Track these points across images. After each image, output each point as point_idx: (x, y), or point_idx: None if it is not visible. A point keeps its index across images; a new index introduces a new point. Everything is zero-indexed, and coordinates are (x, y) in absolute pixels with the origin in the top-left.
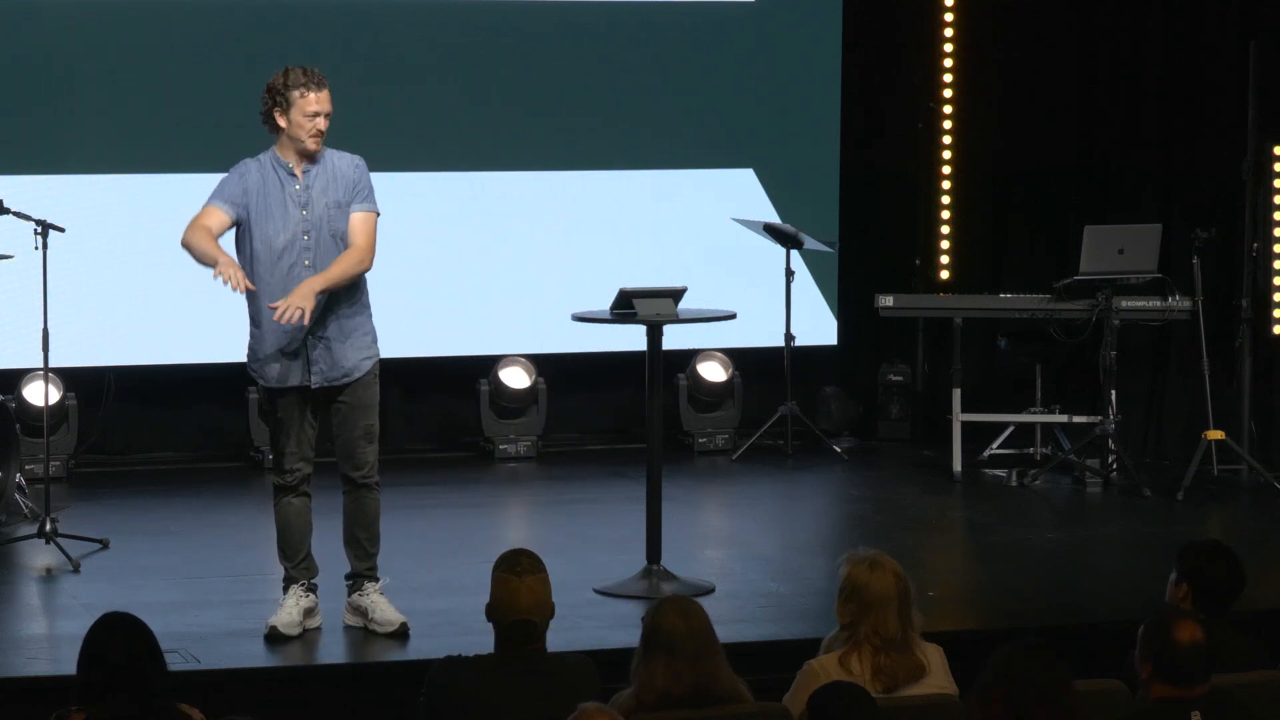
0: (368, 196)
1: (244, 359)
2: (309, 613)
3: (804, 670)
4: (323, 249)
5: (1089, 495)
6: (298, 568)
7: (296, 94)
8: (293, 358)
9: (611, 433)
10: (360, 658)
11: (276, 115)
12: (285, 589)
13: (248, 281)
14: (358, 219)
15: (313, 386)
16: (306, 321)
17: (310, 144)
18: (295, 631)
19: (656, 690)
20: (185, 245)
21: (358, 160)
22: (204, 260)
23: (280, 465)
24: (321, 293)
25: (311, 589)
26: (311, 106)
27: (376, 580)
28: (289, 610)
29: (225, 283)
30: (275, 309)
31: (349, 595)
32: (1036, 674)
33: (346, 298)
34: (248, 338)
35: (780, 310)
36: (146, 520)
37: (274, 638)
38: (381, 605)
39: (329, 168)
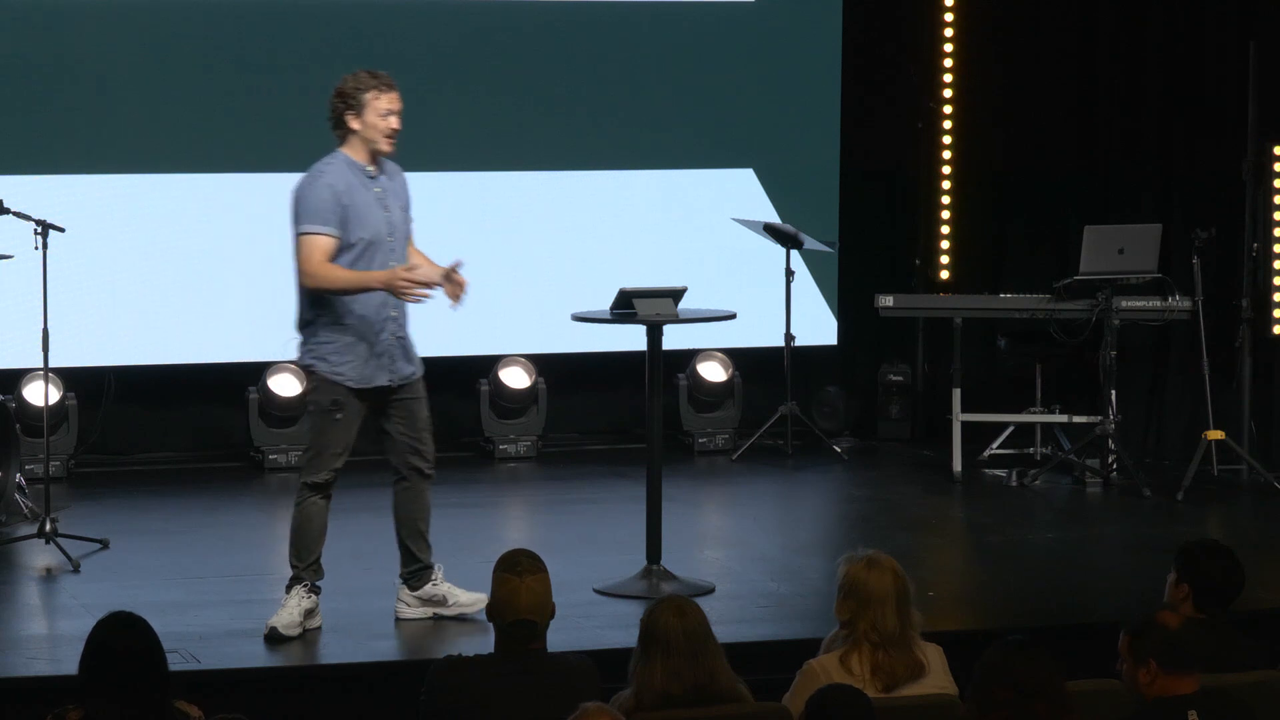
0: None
1: (244, 359)
2: (309, 614)
3: (804, 670)
4: (400, 250)
5: (1089, 495)
6: (308, 569)
7: (369, 95)
8: (378, 358)
9: (611, 433)
10: (360, 658)
11: (349, 118)
12: (289, 589)
13: (428, 275)
14: (411, 234)
15: (393, 385)
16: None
17: (385, 144)
18: (295, 632)
19: (655, 690)
20: (329, 288)
21: (400, 169)
22: (362, 288)
23: (320, 465)
24: None
25: (315, 590)
26: (384, 106)
27: (438, 566)
28: (290, 611)
29: (411, 294)
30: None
31: (415, 589)
32: (1035, 672)
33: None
34: (303, 339)
35: (780, 310)
36: (146, 520)
37: (273, 638)
38: (457, 590)
39: (390, 172)
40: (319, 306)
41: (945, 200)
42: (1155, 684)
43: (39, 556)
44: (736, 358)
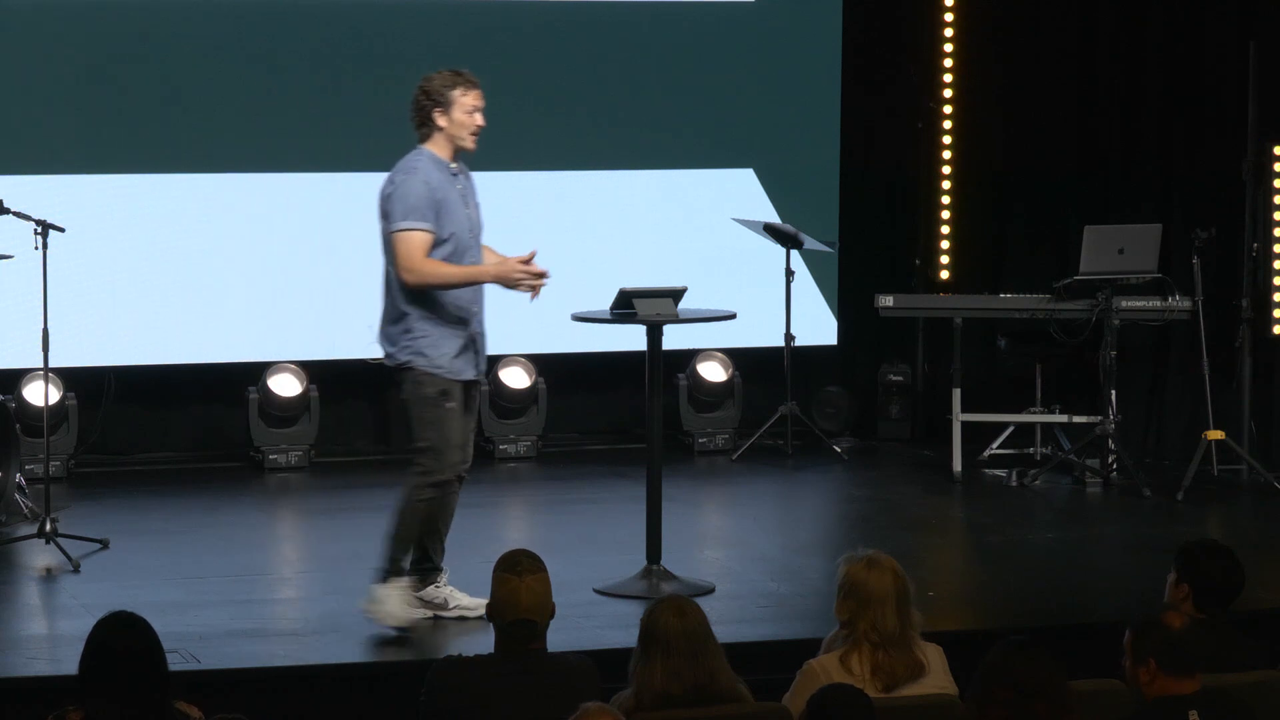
0: None
1: (244, 359)
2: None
3: (804, 670)
4: (478, 247)
5: (1089, 495)
6: (410, 563)
7: (456, 93)
8: (470, 351)
9: (611, 433)
10: (360, 658)
11: (436, 116)
12: (385, 579)
13: (532, 267)
14: None
15: (477, 379)
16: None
17: (470, 141)
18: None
19: (655, 690)
20: (435, 283)
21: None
22: (471, 282)
23: (444, 461)
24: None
25: (432, 576)
26: (471, 103)
27: (444, 571)
28: (398, 603)
29: (525, 284)
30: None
31: (422, 588)
32: (1036, 672)
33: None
34: (394, 337)
35: (780, 310)
36: (146, 520)
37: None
38: (459, 593)
39: (465, 170)
40: (413, 302)
41: (945, 200)
42: (1155, 684)
43: (39, 556)
44: (736, 358)
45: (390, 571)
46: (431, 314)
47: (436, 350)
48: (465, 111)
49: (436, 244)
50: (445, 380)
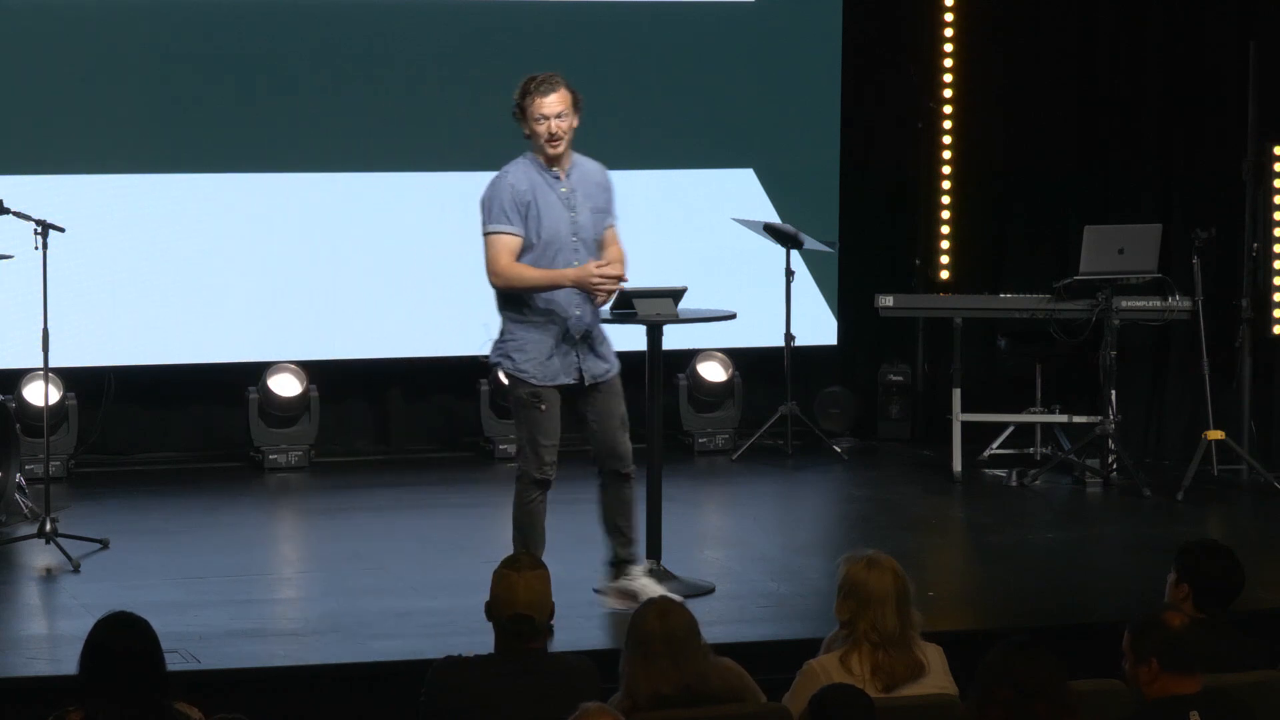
0: (614, 208)
1: (244, 359)
2: None
3: (804, 670)
4: (586, 251)
5: (1089, 495)
6: None
7: (529, 100)
8: (564, 356)
9: None
10: (360, 658)
11: (521, 124)
12: None
13: (614, 270)
14: (612, 233)
15: (585, 384)
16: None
17: (546, 148)
18: None
19: (643, 691)
20: (517, 286)
21: (605, 169)
22: (552, 286)
23: (537, 460)
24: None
25: None
26: (538, 111)
27: (639, 564)
28: None
29: (604, 289)
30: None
31: (613, 580)
32: (1036, 672)
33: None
34: (494, 336)
35: (780, 310)
36: (146, 520)
37: None
38: (651, 587)
39: (585, 172)
40: (507, 305)
41: (945, 200)
42: (1156, 683)
43: (39, 556)
44: (736, 358)
45: None
46: (521, 317)
47: (522, 354)
48: (533, 120)
49: (527, 247)
50: (532, 385)
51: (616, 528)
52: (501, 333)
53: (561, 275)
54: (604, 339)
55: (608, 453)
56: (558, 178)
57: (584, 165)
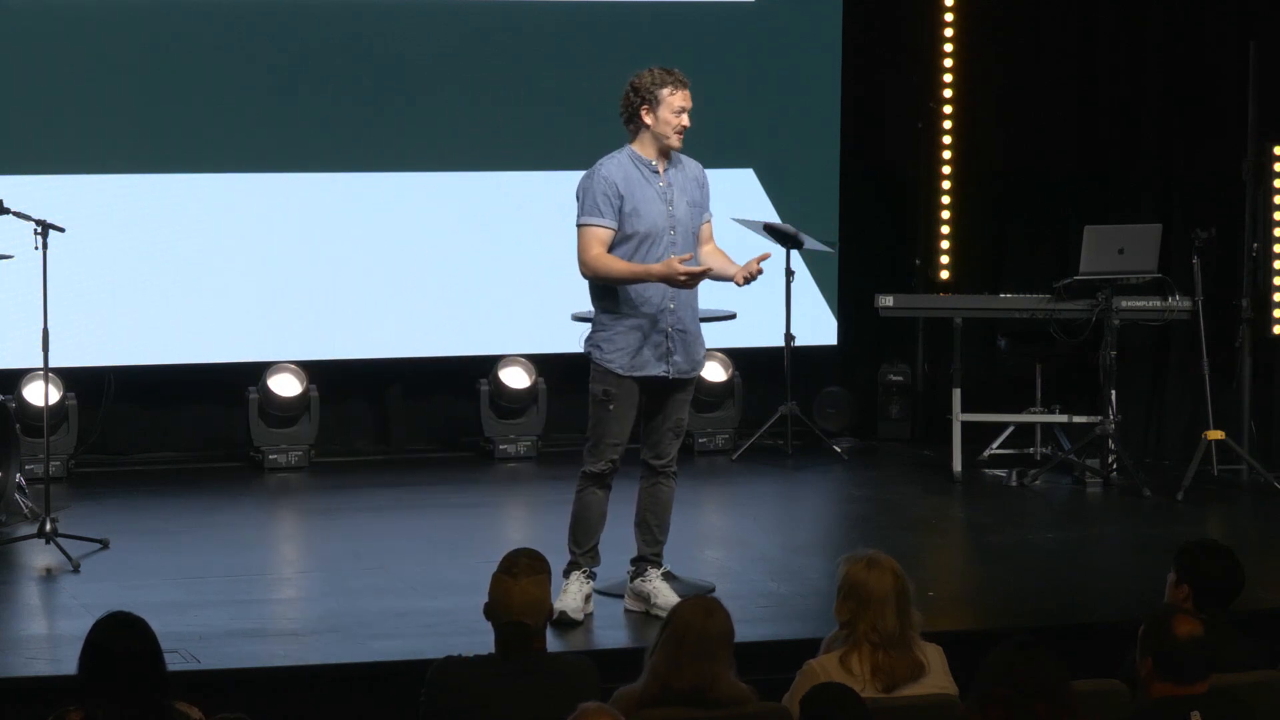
0: (709, 204)
1: (244, 359)
2: (588, 598)
3: (804, 670)
4: (683, 246)
5: (1089, 495)
6: (586, 555)
7: (665, 91)
8: (655, 348)
9: None
10: (360, 658)
11: (643, 113)
12: (567, 574)
13: (692, 268)
14: (708, 228)
15: (670, 377)
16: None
17: (675, 140)
18: (579, 616)
19: (660, 677)
20: (604, 277)
21: (702, 166)
22: (638, 279)
23: (598, 455)
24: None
25: (591, 576)
26: (678, 103)
27: (660, 567)
28: (573, 595)
29: (689, 285)
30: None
31: (631, 581)
32: (1036, 672)
33: (698, 297)
34: (589, 326)
35: (780, 310)
36: (146, 520)
37: (562, 621)
38: (664, 590)
39: (683, 168)
40: (600, 296)
41: (945, 200)
42: (1155, 682)
43: (39, 556)
44: (736, 358)
45: (569, 563)
46: (612, 309)
47: (611, 345)
48: (672, 111)
49: (620, 240)
50: (614, 377)
51: (645, 523)
52: (593, 323)
53: (649, 269)
54: (698, 337)
55: (650, 450)
56: (656, 171)
57: (682, 161)
